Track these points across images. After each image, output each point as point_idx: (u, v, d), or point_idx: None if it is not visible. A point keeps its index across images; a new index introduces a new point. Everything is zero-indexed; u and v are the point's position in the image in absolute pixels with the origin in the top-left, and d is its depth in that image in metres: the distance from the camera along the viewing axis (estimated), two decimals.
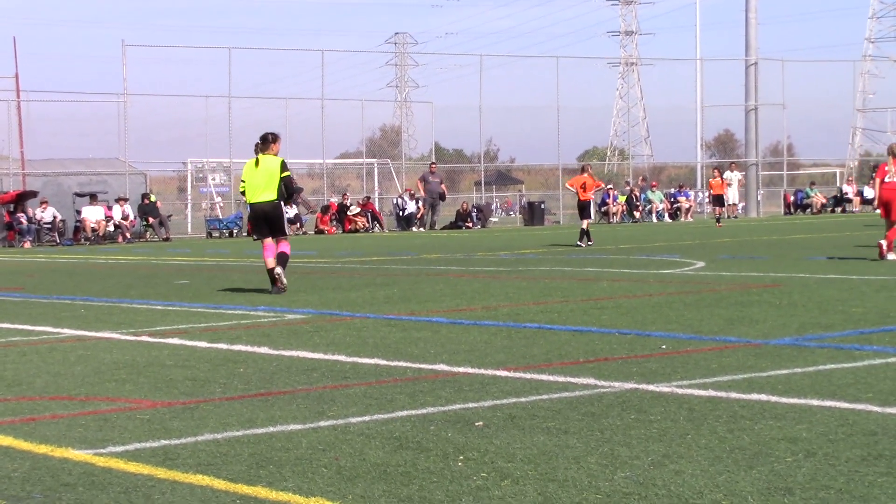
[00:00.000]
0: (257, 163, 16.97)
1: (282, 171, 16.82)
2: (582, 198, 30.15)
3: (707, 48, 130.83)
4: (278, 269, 16.61)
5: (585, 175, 30.32)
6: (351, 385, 8.53)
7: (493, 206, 67.57)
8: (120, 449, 6.59)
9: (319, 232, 46.44)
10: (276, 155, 17.04)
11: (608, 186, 53.21)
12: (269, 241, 16.87)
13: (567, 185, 32.64)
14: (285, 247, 16.90)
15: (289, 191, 17.10)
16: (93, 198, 42.12)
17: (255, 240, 17.28)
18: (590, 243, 29.11)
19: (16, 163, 44.63)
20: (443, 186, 49.53)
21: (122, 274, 23.54)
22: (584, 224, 29.80)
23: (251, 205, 17.21)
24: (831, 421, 6.82)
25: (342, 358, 9.91)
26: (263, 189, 16.87)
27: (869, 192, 56.26)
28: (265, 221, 16.98)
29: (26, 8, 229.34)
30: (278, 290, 16.55)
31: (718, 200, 43.18)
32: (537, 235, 38.58)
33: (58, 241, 41.00)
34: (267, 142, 17.00)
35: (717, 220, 42.75)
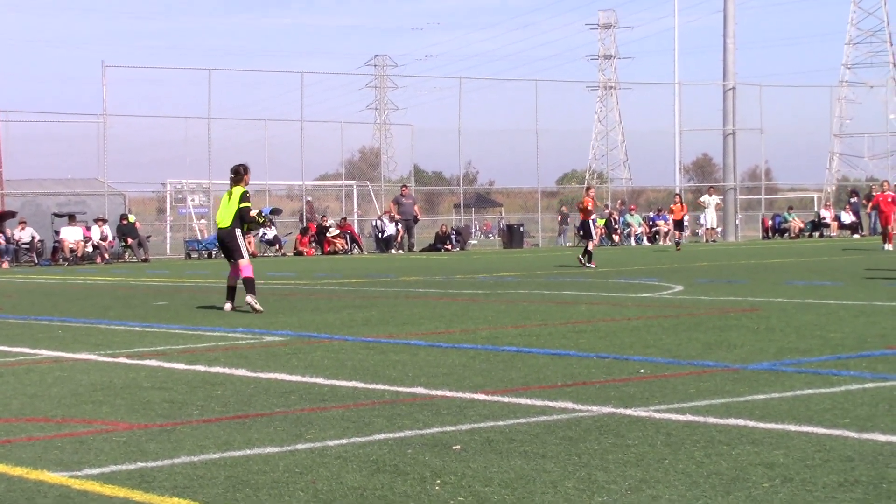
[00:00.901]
0: (230, 194, 18.20)
1: (240, 202, 17.96)
2: (582, 218, 30.67)
3: (685, 73, 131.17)
4: (248, 299, 17.46)
5: (587, 196, 30.78)
6: (329, 408, 8.52)
7: (473, 229, 67.62)
8: (96, 471, 6.56)
9: (298, 253, 46.37)
10: (244, 186, 18.24)
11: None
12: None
13: (576, 206, 32.89)
14: (246, 270, 17.82)
15: (244, 219, 18.11)
16: (71, 218, 41.99)
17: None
18: (590, 265, 29.33)
19: None
20: (416, 208, 49.50)
21: (100, 295, 23.47)
22: (590, 245, 30.21)
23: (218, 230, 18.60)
24: (808, 446, 6.84)
25: (320, 380, 9.89)
26: (224, 217, 18.18)
27: (846, 217, 56.54)
28: (222, 246, 18.49)
29: (5, 28, 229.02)
30: (231, 308, 17.77)
31: (678, 226, 43.68)
32: (516, 258, 38.58)
33: (36, 261, 40.85)
34: (238, 174, 18.23)
35: (677, 245, 42.96)
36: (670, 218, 45.63)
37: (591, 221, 30.72)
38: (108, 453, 7.06)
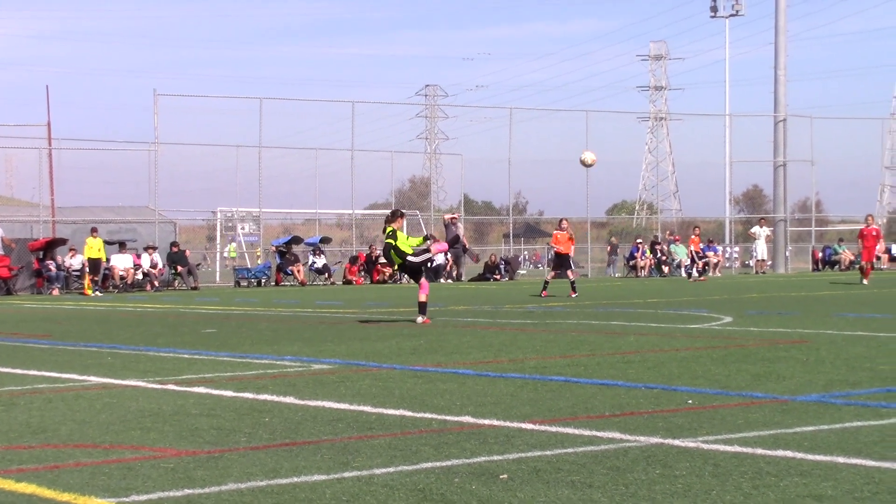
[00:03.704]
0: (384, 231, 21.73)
1: (386, 239, 21.50)
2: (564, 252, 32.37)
3: (736, 104, 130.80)
4: (417, 319, 21.00)
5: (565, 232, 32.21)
6: (376, 436, 8.53)
7: (521, 259, 67.53)
8: (143, 498, 6.59)
9: (347, 282, 46.51)
10: (395, 228, 21.43)
11: (638, 241, 53.31)
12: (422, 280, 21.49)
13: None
14: (421, 293, 21.20)
15: (386, 256, 21.86)
16: (122, 246, 42.33)
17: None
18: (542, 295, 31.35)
19: (46, 210, 44.93)
20: (464, 238, 49.30)
21: (150, 322, 23.61)
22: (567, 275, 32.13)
23: None
24: (857, 479, 6.78)
25: (368, 408, 9.90)
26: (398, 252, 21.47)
27: None
28: (407, 272, 22.22)
29: (59, 57, 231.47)
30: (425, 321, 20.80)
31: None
32: (565, 288, 38.46)
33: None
34: (392, 216, 21.75)
35: (689, 276, 44.38)
36: (687, 249, 46.37)
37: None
38: (155, 480, 7.09)
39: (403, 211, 22.91)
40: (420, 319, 20.84)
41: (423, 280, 21.47)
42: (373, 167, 54.58)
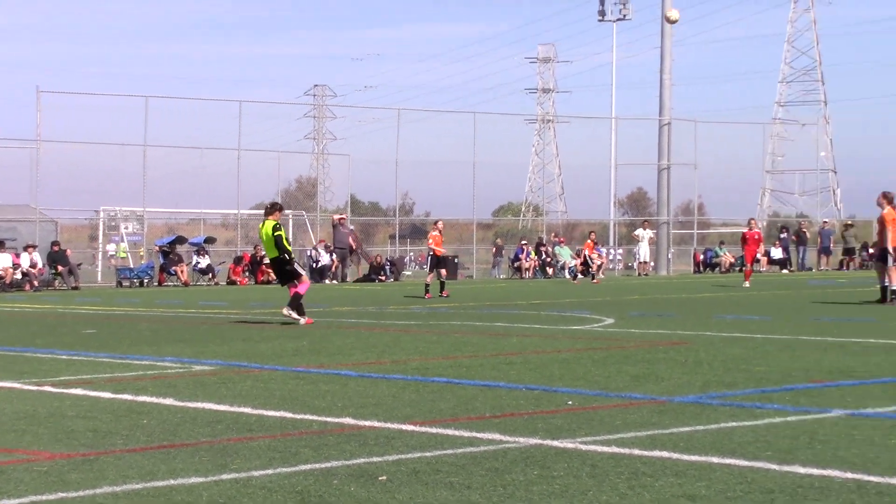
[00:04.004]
0: (262, 226, 21.24)
1: (273, 232, 20.85)
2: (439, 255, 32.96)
3: (622, 107, 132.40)
4: (284, 310, 20.59)
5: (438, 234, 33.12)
6: (255, 438, 8.49)
7: (407, 260, 67.58)
8: (14, 502, 6.49)
9: (231, 283, 46.16)
10: (274, 219, 21.10)
11: (523, 242, 53.71)
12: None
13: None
14: (300, 287, 20.81)
15: (279, 248, 20.84)
16: (0, 245, 41.56)
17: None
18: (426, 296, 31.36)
19: None
20: (351, 239, 49.01)
21: (28, 322, 23.24)
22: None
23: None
24: (730, 478, 6.89)
25: (248, 410, 9.85)
26: (269, 248, 21.15)
27: (776, 253, 57.12)
28: (276, 273, 21.80)
29: None
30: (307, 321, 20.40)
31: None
32: (451, 289, 38.58)
33: None
34: (268, 209, 21.42)
35: (574, 277, 46.19)
36: (581, 253, 47.34)
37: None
38: (27, 483, 6.98)
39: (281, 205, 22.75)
40: (303, 320, 20.44)
41: (291, 284, 21.14)
42: (259, 167, 54.17)
